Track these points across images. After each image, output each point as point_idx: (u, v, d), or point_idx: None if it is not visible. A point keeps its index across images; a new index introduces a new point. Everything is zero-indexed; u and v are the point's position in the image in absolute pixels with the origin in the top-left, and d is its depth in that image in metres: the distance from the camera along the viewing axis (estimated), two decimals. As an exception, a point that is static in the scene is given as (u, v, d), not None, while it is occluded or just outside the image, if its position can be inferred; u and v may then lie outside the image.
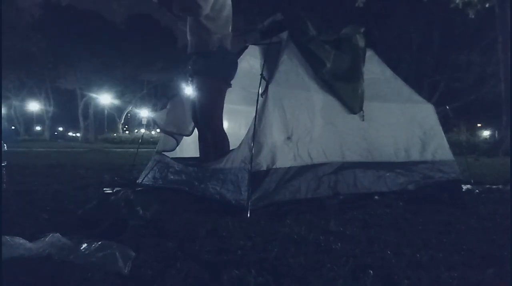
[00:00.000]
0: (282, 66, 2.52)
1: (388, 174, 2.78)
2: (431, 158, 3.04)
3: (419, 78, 20.99)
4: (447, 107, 3.71)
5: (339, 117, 2.72)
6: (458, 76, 20.42)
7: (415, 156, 2.97)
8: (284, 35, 2.77)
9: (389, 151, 2.87)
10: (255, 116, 2.28)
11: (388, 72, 3.27)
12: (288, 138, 2.36)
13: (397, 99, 3.10)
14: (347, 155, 2.64)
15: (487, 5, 10.57)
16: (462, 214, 2.07)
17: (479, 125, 30.36)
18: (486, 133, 27.46)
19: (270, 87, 2.35)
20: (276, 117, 2.34)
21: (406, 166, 2.89)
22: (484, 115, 24.80)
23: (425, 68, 20.90)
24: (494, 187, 3.06)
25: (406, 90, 3.25)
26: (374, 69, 3.16)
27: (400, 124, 3.01)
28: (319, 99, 2.65)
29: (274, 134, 2.31)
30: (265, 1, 19.05)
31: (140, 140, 8.07)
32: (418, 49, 20.78)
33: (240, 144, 2.38)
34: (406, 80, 3.68)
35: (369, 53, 3.21)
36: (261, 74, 2.42)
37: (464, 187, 3.00)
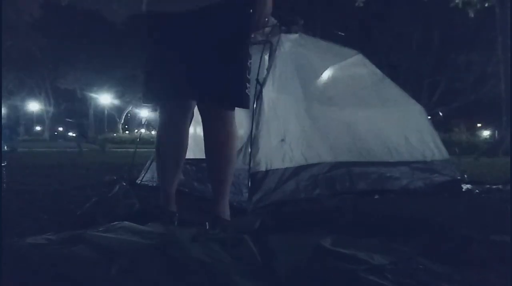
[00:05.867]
0: (273, 70, 2.53)
1: (385, 173, 2.79)
2: (425, 158, 3.06)
3: (419, 78, 21.00)
4: (440, 113, 3.76)
5: (330, 121, 2.75)
6: (458, 76, 20.44)
7: (407, 157, 2.99)
8: (275, 38, 2.75)
9: (380, 153, 2.89)
10: (252, 119, 2.30)
11: (378, 74, 3.28)
12: (282, 140, 2.39)
13: (385, 102, 3.12)
14: (339, 156, 2.66)
15: (486, 5, 10.58)
16: (462, 213, 2.08)
17: (479, 125, 30.38)
18: (486, 133, 27.47)
19: (264, 92, 2.37)
20: (270, 120, 2.37)
21: (402, 166, 2.91)
22: (484, 115, 24.83)
23: (425, 68, 20.91)
24: (494, 187, 3.07)
25: (395, 92, 3.26)
26: (362, 73, 3.17)
27: (389, 127, 3.04)
28: (308, 103, 2.68)
29: (270, 137, 2.34)
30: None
31: (138, 140, 7.99)
32: (418, 49, 20.79)
33: (240, 146, 2.39)
34: (407, 80, 3.72)
35: (358, 56, 3.22)
36: (257, 79, 2.43)
37: (464, 187, 3.00)
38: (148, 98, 1.73)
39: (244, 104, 1.63)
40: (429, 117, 3.40)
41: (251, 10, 1.49)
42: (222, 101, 1.57)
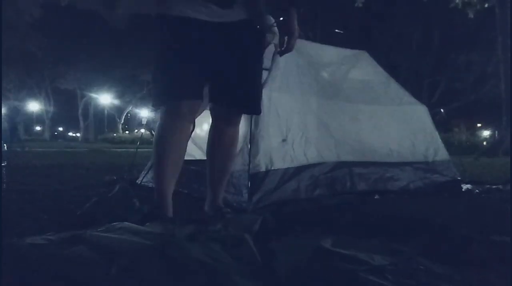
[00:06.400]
0: (274, 70, 2.53)
1: (386, 174, 2.79)
2: (426, 159, 3.06)
3: (419, 78, 20.99)
4: (442, 110, 3.77)
5: (332, 120, 2.75)
6: (458, 76, 20.43)
7: (409, 158, 2.99)
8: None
9: (383, 152, 2.88)
10: (251, 119, 2.30)
11: (382, 74, 3.28)
12: (284, 140, 2.39)
13: (389, 101, 3.12)
14: (342, 155, 2.66)
15: (486, 5, 10.58)
16: (462, 213, 2.07)
17: (479, 125, 30.38)
18: (486, 133, 27.46)
19: (264, 92, 2.37)
20: (271, 121, 2.36)
21: (403, 166, 2.91)
22: (484, 115, 24.83)
23: (425, 68, 20.91)
24: (494, 187, 3.07)
25: (399, 92, 3.27)
26: (367, 71, 3.17)
27: (392, 127, 3.04)
28: (312, 102, 2.68)
29: (271, 137, 2.34)
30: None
31: (139, 141, 7.98)
32: (418, 49, 20.78)
33: (240, 147, 2.39)
34: (407, 80, 3.75)
35: (363, 56, 3.22)
36: None
37: (464, 187, 3.00)
38: (166, 96, 1.65)
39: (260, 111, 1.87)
40: None
41: (285, 37, 1.65)
42: (245, 108, 1.77)
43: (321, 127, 2.66)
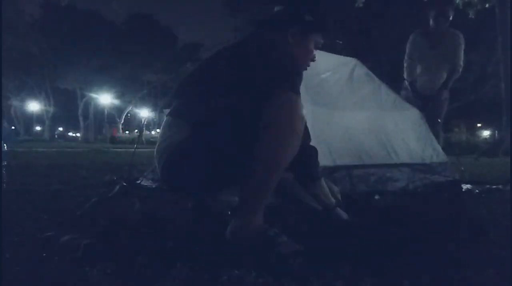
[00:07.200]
0: None
1: (384, 175, 2.80)
2: (424, 161, 3.07)
3: (419, 78, 20.93)
4: (439, 120, 3.80)
5: (329, 125, 2.76)
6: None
7: (407, 160, 3.01)
8: None
9: (379, 155, 2.90)
10: None
11: (374, 80, 3.30)
12: None
13: (382, 106, 3.14)
14: (338, 160, 2.66)
15: (487, 5, 10.58)
16: (462, 214, 2.07)
17: (479, 125, 30.40)
18: (486, 133, 27.47)
19: None
20: None
21: (402, 167, 2.92)
22: (484, 115, 24.84)
23: (425, 68, 20.88)
24: (494, 187, 3.06)
25: (392, 97, 3.29)
26: (360, 78, 3.20)
27: (387, 131, 3.06)
28: (308, 108, 2.68)
29: None
30: (265, 1, 19.08)
31: (138, 141, 7.97)
32: (418, 49, 20.75)
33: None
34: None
35: (355, 63, 3.24)
36: None
37: (464, 187, 3.00)
38: None
39: None
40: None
41: None
42: None
43: (317, 132, 2.66)
